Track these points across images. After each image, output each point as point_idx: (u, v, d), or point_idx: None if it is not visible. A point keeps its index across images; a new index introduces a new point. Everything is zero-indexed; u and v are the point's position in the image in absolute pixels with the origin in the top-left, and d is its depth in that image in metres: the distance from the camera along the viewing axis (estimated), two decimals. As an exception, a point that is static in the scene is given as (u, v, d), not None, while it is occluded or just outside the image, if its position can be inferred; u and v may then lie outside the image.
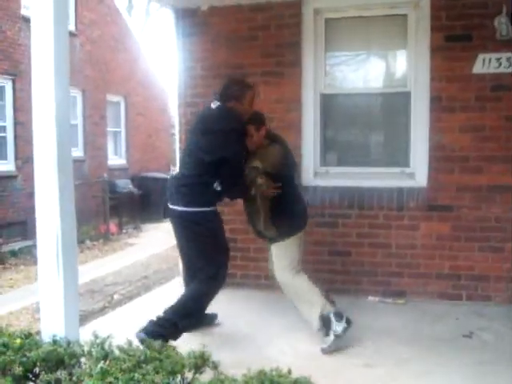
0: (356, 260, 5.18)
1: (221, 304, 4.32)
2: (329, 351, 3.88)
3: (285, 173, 4.17)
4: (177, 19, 5.49)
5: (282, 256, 4.17)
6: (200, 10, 5.41)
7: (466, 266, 5.00)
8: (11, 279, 8.50)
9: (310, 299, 4.04)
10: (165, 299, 5.42)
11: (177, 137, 5.71)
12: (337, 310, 4.01)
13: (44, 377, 2.69)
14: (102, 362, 2.84)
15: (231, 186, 3.96)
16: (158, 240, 11.46)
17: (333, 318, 3.93)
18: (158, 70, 16.04)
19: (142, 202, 13.33)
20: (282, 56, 5.23)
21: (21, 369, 2.79)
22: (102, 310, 6.04)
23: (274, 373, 2.66)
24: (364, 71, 5.50)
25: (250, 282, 5.45)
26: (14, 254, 10.10)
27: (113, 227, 12.05)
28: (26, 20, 10.22)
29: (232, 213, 5.00)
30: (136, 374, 2.61)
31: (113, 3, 13.92)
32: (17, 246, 10.37)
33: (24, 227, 10.68)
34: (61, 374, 2.80)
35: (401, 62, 5.35)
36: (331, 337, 3.90)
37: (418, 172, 5.12)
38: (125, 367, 2.71)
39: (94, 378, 2.62)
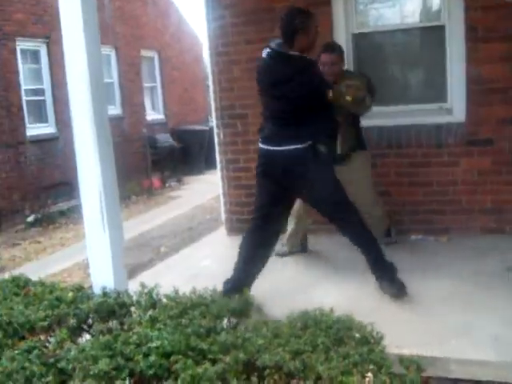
0: (397, 199, 5.17)
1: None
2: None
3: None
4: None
5: (370, 183, 4.70)
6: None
7: (509, 200, 4.93)
8: (62, 238, 8.82)
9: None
10: (209, 249, 5.59)
11: (211, 87, 5.71)
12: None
13: (97, 327, 2.83)
14: (151, 310, 2.97)
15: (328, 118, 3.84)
16: (200, 192, 11.62)
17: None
18: (190, 20, 15.91)
19: (182, 155, 13.45)
20: (311, -3, 5.11)
21: (74, 320, 2.94)
22: (151, 262, 6.20)
23: (317, 312, 2.74)
24: (396, 7, 5.38)
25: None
26: (62, 213, 10.43)
27: (156, 182, 12.26)
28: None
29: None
30: (183, 320, 2.72)
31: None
32: (65, 205, 10.68)
33: (70, 187, 10.94)
34: (112, 323, 2.95)
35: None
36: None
37: (455, 107, 5.03)
38: (172, 314, 2.82)
39: (143, 325, 2.75)
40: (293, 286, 4.16)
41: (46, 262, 7.27)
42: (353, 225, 3.84)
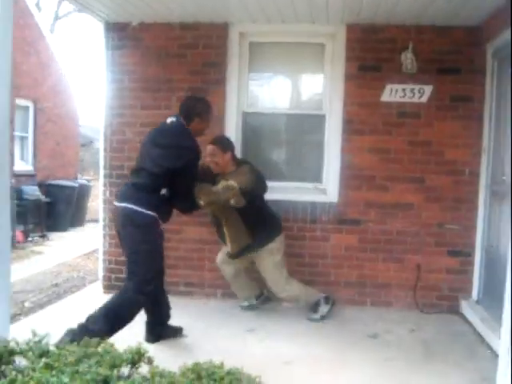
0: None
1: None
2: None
3: (259, 191, 4.71)
4: (107, 31, 5.61)
5: (278, 266, 4.89)
6: (131, 24, 5.56)
7: (370, 275, 5.48)
8: None
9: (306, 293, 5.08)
10: (76, 306, 5.53)
11: (101, 146, 5.81)
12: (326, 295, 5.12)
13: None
14: (44, 358, 2.98)
15: (182, 199, 4.13)
16: (66, 249, 11.27)
17: (322, 302, 5.07)
18: (70, 76, 15.76)
19: (48, 210, 13.00)
20: (208, 74, 5.50)
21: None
22: (14, 317, 5.96)
23: (208, 365, 2.92)
24: (284, 93, 5.90)
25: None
26: None
27: (19, 235, 11.72)
28: None
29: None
30: (80, 368, 2.78)
31: (26, 5, 13.63)
32: None
33: None
34: (3, 368, 2.91)
35: (317, 87, 5.76)
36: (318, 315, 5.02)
37: (329, 188, 5.56)
38: (68, 362, 2.86)
39: (38, 371, 2.76)
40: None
41: None
42: (124, 291, 4.02)
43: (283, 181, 5.69)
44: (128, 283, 4.02)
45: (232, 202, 4.39)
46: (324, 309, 5.06)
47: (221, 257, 5.10)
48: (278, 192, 5.53)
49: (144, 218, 3.94)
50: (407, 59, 5.21)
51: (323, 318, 5.03)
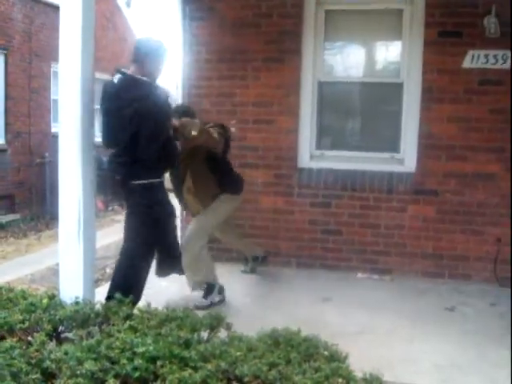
0: (347, 239, 5.51)
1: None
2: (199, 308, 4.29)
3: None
4: (183, 3, 5.67)
5: (207, 223, 4.60)
6: (208, -5, 5.60)
7: (448, 247, 5.37)
8: (2, 251, 8.68)
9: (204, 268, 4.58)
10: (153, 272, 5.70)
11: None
12: (221, 286, 4.64)
13: (78, 332, 2.96)
14: (127, 320, 3.13)
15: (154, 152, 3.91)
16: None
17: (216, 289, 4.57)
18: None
19: (127, 180, 13.43)
20: (283, 43, 5.48)
21: (49, 326, 3.06)
22: (96, 283, 6.24)
23: (285, 331, 2.99)
24: (360, 61, 5.81)
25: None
26: (2, 226, 10.23)
27: (99, 204, 12.20)
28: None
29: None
30: (162, 330, 2.90)
31: (103, -20, 13.95)
32: (4, 219, 10.49)
33: (12, 201, 10.81)
34: (90, 329, 3.08)
35: (395, 54, 5.63)
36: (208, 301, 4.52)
37: (407, 158, 5.45)
38: (150, 325, 3.00)
39: (123, 332, 2.90)
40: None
41: (-13, 275, 7.15)
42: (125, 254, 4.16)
43: (359, 151, 5.62)
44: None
45: (215, 135, 4.30)
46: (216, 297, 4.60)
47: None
48: (353, 162, 5.50)
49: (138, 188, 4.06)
50: (490, 24, 4.98)
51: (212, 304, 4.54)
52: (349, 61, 5.85)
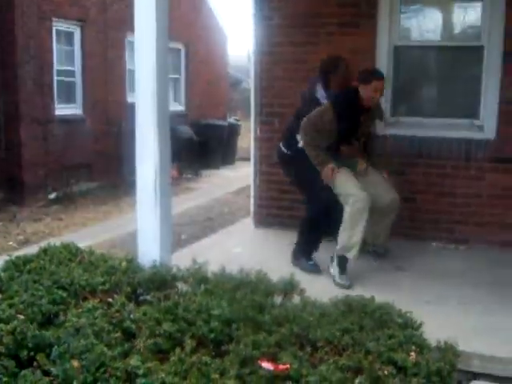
0: (422, 207, 5.39)
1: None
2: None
3: None
4: (255, -31, 5.64)
5: None
6: (280, -42, 5.51)
7: (530, 217, 5.17)
8: (83, 217, 9.04)
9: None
10: (238, 238, 5.79)
11: (252, 84, 5.94)
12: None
13: (155, 294, 3.07)
14: (203, 284, 3.22)
15: None
16: (217, 185, 11.86)
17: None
18: (220, 16, 16.07)
19: (200, 149, 13.64)
20: (359, 7, 5.34)
21: (129, 289, 3.19)
22: (172, 248, 6.41)
23: (359, 298, 3.00)
24: (437, 24, 5.61)
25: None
26: (82, 194, 10.62)
27: (173, 172, 12.47)
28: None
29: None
30: (237, 294, 2.97)
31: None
32: (84, 186, 10.88)
33: (89, 169, 11.18)
34: (167, 292, 3.19)
35: (475, 16, 5.40)
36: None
37: (486, 124, 5.24)
38: (225, 288, 3.08)
39: (199, 295, 2.99)
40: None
41: (69, 240, 7.46)
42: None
43: (436, 117, 5.46)
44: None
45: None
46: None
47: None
48: (430, 129, 5.36)
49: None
50: None
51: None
52: (426, 24, 5.64)
